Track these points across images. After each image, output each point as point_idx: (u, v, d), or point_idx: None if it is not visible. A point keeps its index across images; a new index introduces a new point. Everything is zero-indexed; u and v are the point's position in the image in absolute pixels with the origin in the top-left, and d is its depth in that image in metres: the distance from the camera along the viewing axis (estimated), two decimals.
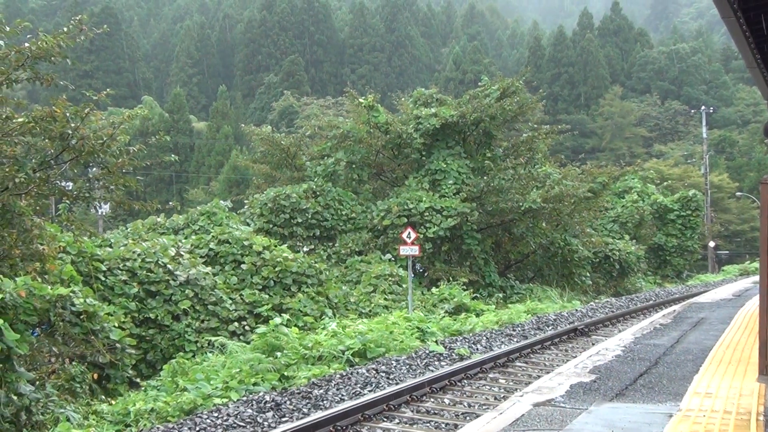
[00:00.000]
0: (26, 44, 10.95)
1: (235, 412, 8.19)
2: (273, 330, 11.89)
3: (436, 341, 13.22)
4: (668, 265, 43.92)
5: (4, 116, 10.93)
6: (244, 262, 17.04)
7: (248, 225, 23.14)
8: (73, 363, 10.30)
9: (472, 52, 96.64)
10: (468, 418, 8.13)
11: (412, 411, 8.51)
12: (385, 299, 19.66)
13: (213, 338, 13.10)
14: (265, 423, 7.93)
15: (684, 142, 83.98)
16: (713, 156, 69.35)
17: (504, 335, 14.47)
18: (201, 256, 16.86)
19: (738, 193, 64.55)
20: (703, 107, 63.54)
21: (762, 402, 6.83)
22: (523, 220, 25.80)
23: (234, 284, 16.34)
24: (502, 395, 9.29)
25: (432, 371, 10.56)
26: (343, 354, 11.49)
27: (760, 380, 7.69)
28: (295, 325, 13.97)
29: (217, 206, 21.94)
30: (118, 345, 11.01)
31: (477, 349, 12.82)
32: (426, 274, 24.46)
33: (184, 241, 17.71)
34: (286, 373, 10.48)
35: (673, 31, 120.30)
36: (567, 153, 64.67)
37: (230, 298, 15.29)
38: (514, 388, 9.68)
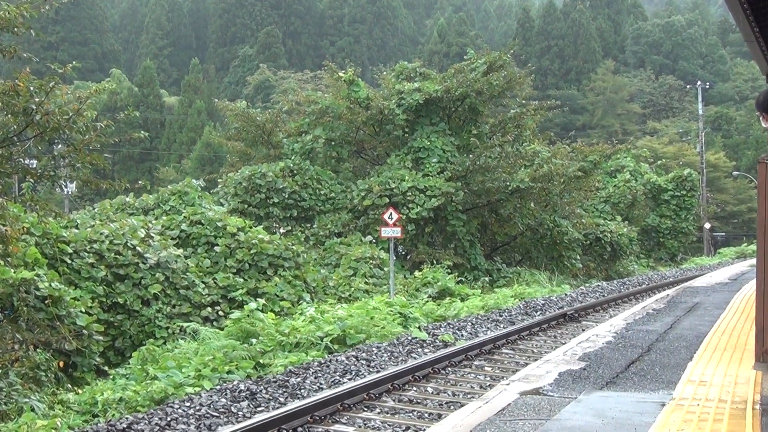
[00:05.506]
0: None
1: (208, 402, 8.04)
2: (248, 315, 11.75)
3: (419, 327, 13.04)
4: (662, 247, 43.75)
5: None
6: (217, 245, 16.79)
7: (222, 205, 22.87)
8: (38, 350, 10.16)
9: (458, 23, 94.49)
10: (452, 407, 8.00)
11: (394, 400, 8.37)
12: (366, 283, 19.47)
13: (185, 324, 12.91)
14: (240, 413, 7.80)
15: (679, 119, 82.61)
16: (709, 133, 68.63)
17: (490, 321, 14.31)
18: (172, 238, 16.58)
19: (735, 173, 63.62)
20: (699, 82, 62.10)
21: (758, 390, 6.71)
22: (511, 201, 25.52)
23: (207, 267, 16.07)
24: (487, 383, 9.16)
25: (415, 359, 10.39)
26: (322, 340, 11.31)
27: (756, 367, 7.57)
28: (271, 311, 13.89)
29: (189, 185, 21.60)
30: (84, 331, 10.92)
31: (462, 335, 12.65)
32: (408, 257, 24.25)
33: (154, 222, 17.40)
34: (261, 361, 10.34)
35: (668, 2, 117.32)
36: (557, 130, 63.76)
37: (203, 282, 15.08)
38: (501, 376, 9.54)
